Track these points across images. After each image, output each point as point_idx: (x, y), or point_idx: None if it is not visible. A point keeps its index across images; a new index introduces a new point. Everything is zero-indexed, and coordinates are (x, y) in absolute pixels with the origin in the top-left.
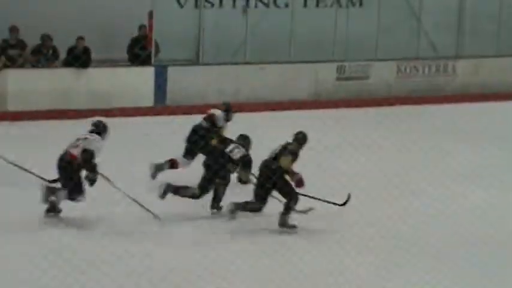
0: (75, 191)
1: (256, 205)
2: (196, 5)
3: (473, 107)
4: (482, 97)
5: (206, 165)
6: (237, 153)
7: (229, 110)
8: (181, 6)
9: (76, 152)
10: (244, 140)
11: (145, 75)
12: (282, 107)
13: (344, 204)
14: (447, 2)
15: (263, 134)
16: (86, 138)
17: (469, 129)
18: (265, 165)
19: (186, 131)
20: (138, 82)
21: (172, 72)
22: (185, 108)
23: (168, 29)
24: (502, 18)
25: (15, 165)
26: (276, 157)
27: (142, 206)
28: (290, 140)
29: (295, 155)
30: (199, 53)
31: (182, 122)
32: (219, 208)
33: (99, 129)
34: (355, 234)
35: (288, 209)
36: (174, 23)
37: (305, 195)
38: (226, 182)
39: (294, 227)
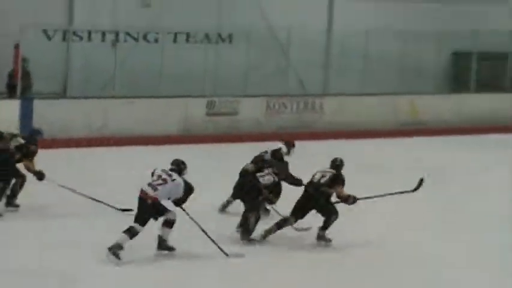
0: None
1: (289, 221)
2: (64, 38)
3: (340, 144)
4: (347, 134)
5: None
6: (267, 180)
7: (291, 145)
8: (49, 39)
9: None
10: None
11: (11, 107)
12: (151, 142)
13: (416, 189)
14: (315, 39)
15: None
16: (165, 182)
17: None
18: (312, 188)
19: (53, 165)
20: (3, 115)
21: (39, 105)
22: (49, 142)
23: (35, 62)
24: (369, 56)
25: None
26: (319, 182)
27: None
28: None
29: (343, 181)
30: (67, 86)
31: (45, 156)
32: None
33: (180, 168)
34: None
35: (327, 225)
36: (42, 55)
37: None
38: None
39: (330, 240)
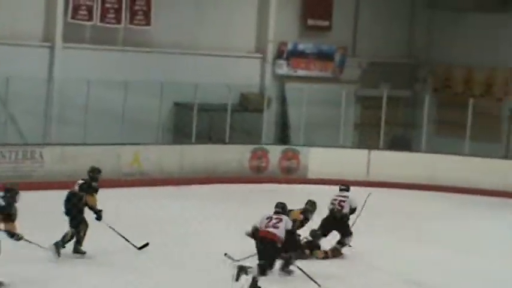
0: (271, 267)
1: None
2: None
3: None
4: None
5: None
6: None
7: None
8: None
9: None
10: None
11: None
12: None
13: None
14: (35, 89)
15: None
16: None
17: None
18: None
19: None
20: None
21: None
22: None
23: None
24: (91, 106)
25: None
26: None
27: None
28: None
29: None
30: None
31: None
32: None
33: (285, 210)
34: None
35: (342, 244)
36: None
37: None
38: None
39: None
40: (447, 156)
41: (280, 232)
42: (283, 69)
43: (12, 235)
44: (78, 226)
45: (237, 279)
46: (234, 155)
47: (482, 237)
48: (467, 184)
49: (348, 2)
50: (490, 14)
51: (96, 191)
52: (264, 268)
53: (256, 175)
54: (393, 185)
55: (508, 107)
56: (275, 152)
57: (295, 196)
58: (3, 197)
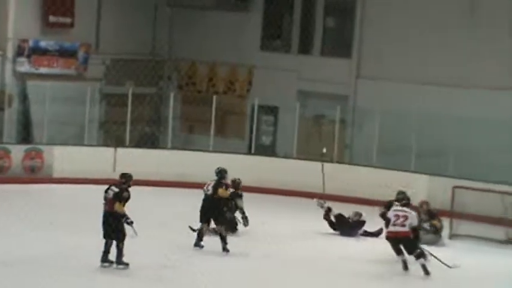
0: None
1: None
2: None
3: None
4: None
5: None
6: None
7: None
8: None
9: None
10: None
11: None
12: None
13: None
14: None
15: None
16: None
17: None
18: None
19: None
20: None
21: None
22: None
23: None
24: None
25: None
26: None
27: None
28: None
29: None
30: None
31: None
32: None
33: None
34: None
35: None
36: None
37: None
38: None
39: None
40: (193, 152)
41: None
42: (25, 66)
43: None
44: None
45: None
46: None
47: None
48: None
49: None
50: (230, 12)
51: None
52: None
53: None
54: (141, 182)
55: (250, 104)
56: (17, 152)
57: (40, 196)
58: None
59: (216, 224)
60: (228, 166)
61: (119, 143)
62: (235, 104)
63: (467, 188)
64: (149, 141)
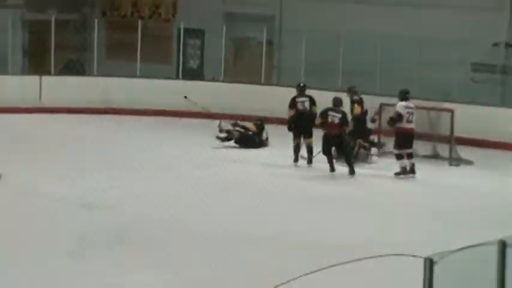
0: None
1: None
2: None
3: None
4: None
5: None
6: None
7: None
8: None
9: None
10: None
11: None
12: None
13: None
14: None
15: None
16: None
17: None
18: None
19: None
20: None
21: None
22: None
23: None
24: None
25: None
26: None
27: None
28: None
29: None
30: None
31: None
32: None
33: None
34: None
35: None
36: None
37: None
38: None
39: None
40: (120, 79)
41: None
42: None
43: None
44: None
45: None
46: None
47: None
48: (141, 106)
49: None
50: None
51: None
52: None
53: None
54: (67, 110)
55: (176, 27)
56: None
57: None
58: None
59: (307, 137)
60: (156, 91)
61: (43, 71)
62: (161, 28)
63: (393, 105)
64: (74, 68)
